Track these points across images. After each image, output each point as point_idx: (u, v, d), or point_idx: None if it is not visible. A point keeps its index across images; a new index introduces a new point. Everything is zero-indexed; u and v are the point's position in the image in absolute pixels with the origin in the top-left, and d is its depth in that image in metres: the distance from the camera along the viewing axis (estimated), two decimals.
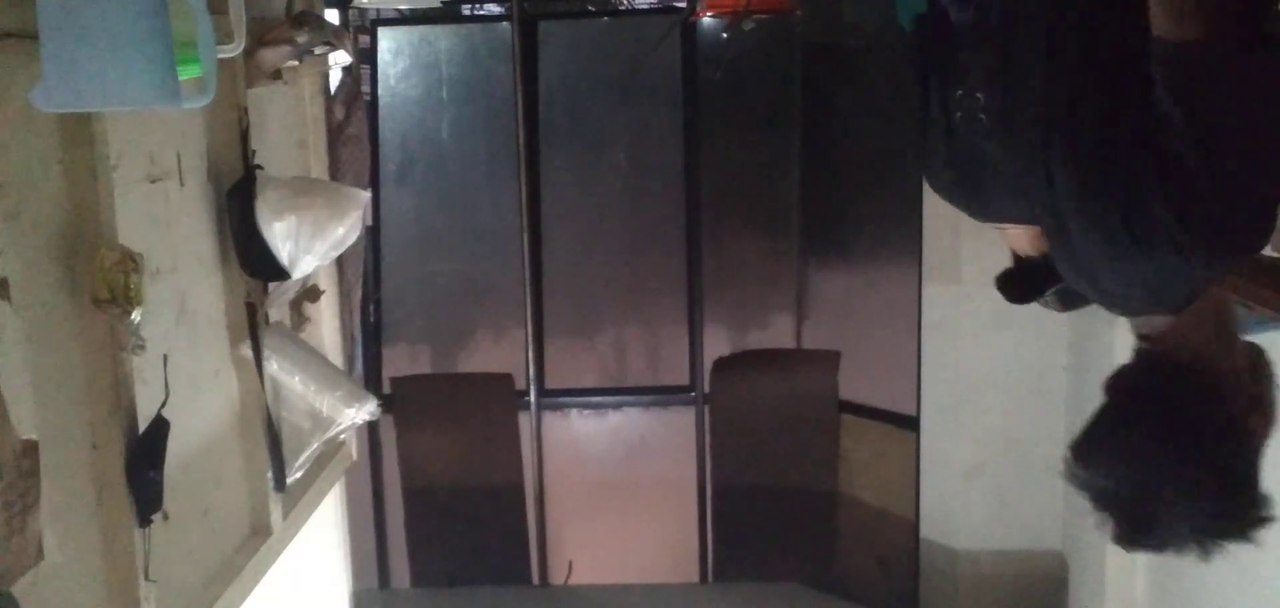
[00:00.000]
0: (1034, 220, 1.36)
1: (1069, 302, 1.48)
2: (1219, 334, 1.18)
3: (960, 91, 1.37)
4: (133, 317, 1.96)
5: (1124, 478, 1.17)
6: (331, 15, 3.86)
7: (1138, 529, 1.18)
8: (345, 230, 2.66)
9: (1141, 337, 1.22)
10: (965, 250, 3.87)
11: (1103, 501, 1.20)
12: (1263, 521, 1.13)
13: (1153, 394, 1.17)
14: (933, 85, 1.43)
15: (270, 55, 2.64)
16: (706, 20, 4.31)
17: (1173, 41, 1.03)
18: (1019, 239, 1.47)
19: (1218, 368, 1.16)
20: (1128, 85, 1.09)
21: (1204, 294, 1.16)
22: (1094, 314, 3.64)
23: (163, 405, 2.12)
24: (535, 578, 4.84)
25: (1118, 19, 1.09)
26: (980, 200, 1.47)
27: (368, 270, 4.28)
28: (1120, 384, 1.20)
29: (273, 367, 2.67)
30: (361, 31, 4.57)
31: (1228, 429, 1.13)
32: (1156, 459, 1.14)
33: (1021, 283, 1.49)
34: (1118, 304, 1.25)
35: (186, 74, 1.57)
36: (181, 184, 2.37)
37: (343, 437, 3.04)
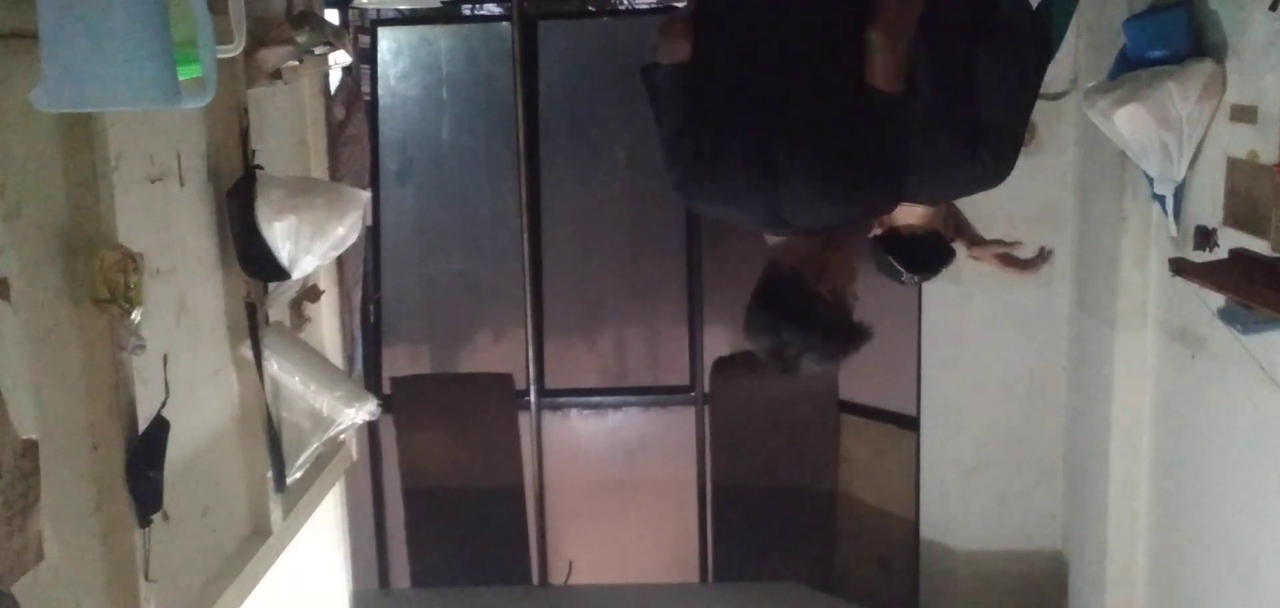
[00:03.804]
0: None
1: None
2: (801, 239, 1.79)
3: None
4: (133, 317, 1.96)
5: (768, 340, 1.78)
6: (331, 15, 3.86)
7: (788, 367, 1.78)
8: (345, 230, 2.66)
9: (771, 257, 1.84)
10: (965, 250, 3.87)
11: (764, 355, 1.80)
12: (857, 340, 1.79)
13: (769, 285, 1.82)
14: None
15: (270, 55, 2.64)
16: None
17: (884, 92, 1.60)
18: (906, 214, 1.96)
19: (799, 260, 1.78)
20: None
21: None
22: (1094, 316, 3.64)
23: (163, 406, 2.12)
24: (535, 578, 4.84)
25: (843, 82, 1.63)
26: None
27: (368, 270, 4.28)
28: (760, 284, 1.83)
29: (273, 367, 2.67)
30: (361, 31, 4.57)
31: (810, 296, 1.75)
32: (778, 325, 1.77)
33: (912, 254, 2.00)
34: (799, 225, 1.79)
35: (186, 74, 1.57)
36: (181, 184, 2.37)
37: (343, 437, 3.04)
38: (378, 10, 4.55)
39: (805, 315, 1.76)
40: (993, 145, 1.74)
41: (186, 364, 2.36)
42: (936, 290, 3.94)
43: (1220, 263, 2.70)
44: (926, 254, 2.00)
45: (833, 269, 1.78)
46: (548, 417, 4.76)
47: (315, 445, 2.80)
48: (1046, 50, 1.90)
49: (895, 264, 1.98)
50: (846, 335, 1.80)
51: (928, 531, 4.25)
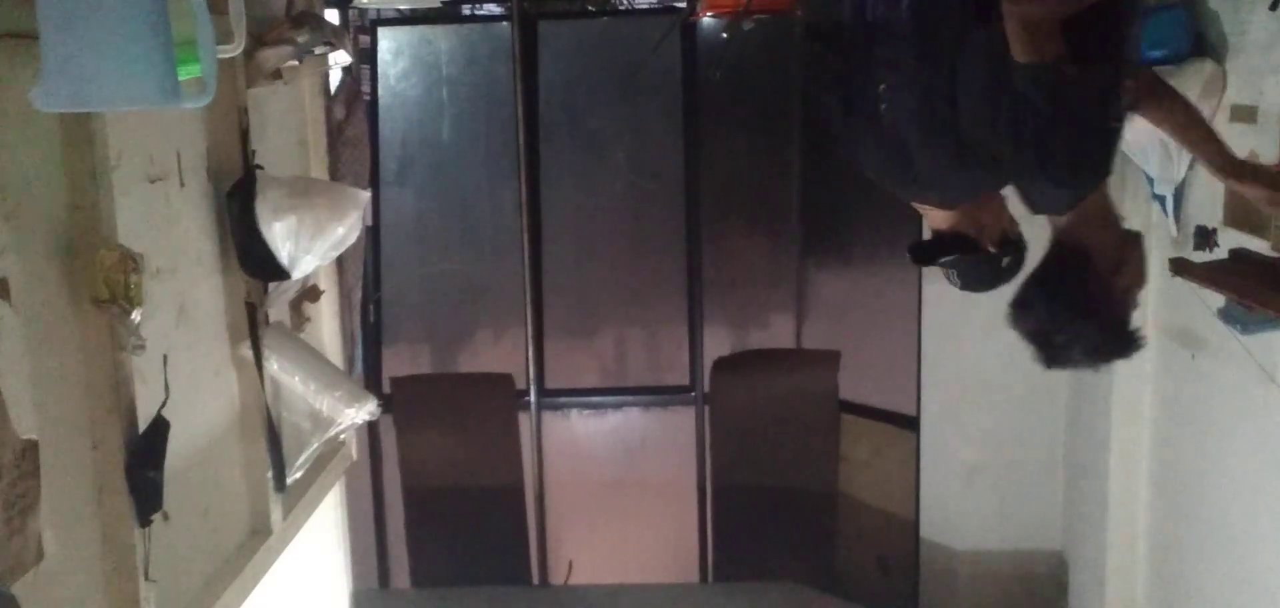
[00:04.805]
0: (946, 202, 1.77)
1: (967, 280, 1.83)
2: (1099, 222, 1.63)
3: (884, 85, 1.67)
4: (133, 317, 1.96)
5: (1037, 323, 1.64)
6: (331, 15, 3.86)
7: (1050, 357, 1.66)
8: (345, 230, 2.66)
9: (1055, 230, 1.68)
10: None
11: (1028, 338, 1.66)
12: (1130, 348, 1.64)
13: (1054, 265, 1.65)
14: (858, 72, 1.72)
15: (270, 55, 2.64)
16: (706, 20, 4.31)
17: (1026, 62, 1.47)
18: (936, 216, 1.83)
19: (1094, 244, 1.62)
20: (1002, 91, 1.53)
21: (1084, 201, 1.62)
22: None
23: (163, 406, 2.12)
24: (535, 578, 4.84)
25: (989, 46, 1.52)
26: (905, 181, 1.76)
27: (368, 270, 4.28)
28: (1044, 261, 1.67)
29: (273, 367, 2.67)
30: (361, 31, 4.57)
31: (1099, 287, 1.60)
32: (1054, 310, 1.62)
33: (929, 251, 1.85)
34: (1042, 211, 1.69)
35: (186, 74, 1.57)
36: (181, 184, 2.37)
37: (343, 437, 3.04)
38: (378, 10, 4.55)
39: (1088, 307, 1.60)
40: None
41: (186, 364, 2.35)
42: (936, 290, 3.95)
43: (1220, 263, 2.70)
44: (945, 247, 1.86)
45: (1131, 265, 1.63)
46: (548, 417, 4.76)
47: (315, 446, 2.80)
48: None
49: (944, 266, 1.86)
50: (1121, 340, 1.65)
51: (928, 531, 4.25)
